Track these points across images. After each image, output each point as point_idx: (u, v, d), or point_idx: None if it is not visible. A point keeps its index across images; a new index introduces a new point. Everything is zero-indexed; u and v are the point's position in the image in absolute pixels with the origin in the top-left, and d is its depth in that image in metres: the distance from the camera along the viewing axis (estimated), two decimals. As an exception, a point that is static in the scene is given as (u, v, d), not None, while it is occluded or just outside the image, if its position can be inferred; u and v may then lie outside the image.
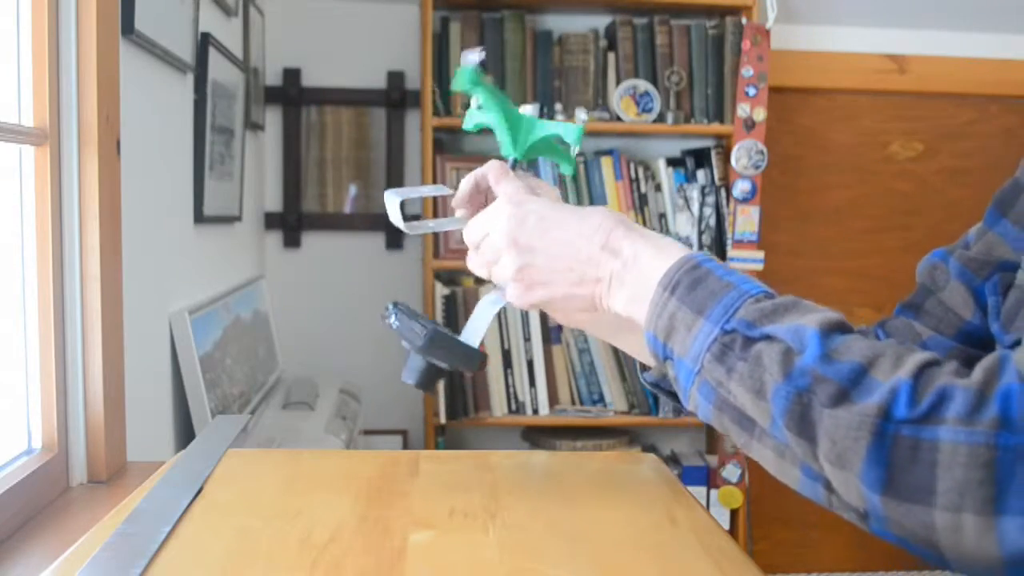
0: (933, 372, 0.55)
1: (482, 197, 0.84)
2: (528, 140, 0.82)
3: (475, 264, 0.79)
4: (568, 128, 0.82)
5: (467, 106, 0.84)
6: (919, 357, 0.56)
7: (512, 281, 0.75)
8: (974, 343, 0.80)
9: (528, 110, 0.83)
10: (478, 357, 0.80)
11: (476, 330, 0.82)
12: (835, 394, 0.55)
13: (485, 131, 0.85)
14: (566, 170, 0.87)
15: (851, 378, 0.55)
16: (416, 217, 0.89)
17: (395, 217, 0.83)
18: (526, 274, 0.74)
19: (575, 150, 0.85)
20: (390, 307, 0.81)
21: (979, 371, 0.54)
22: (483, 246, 0.77)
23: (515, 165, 0.82)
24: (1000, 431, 0.50)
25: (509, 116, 0.82)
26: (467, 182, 0.83)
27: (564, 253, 0.72)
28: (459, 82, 0.80)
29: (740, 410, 0.62)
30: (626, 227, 0.72)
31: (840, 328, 0.60)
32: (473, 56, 0.79)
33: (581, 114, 0.85)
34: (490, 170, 0.81)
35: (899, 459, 0.52)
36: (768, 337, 0.60)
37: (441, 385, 2.50)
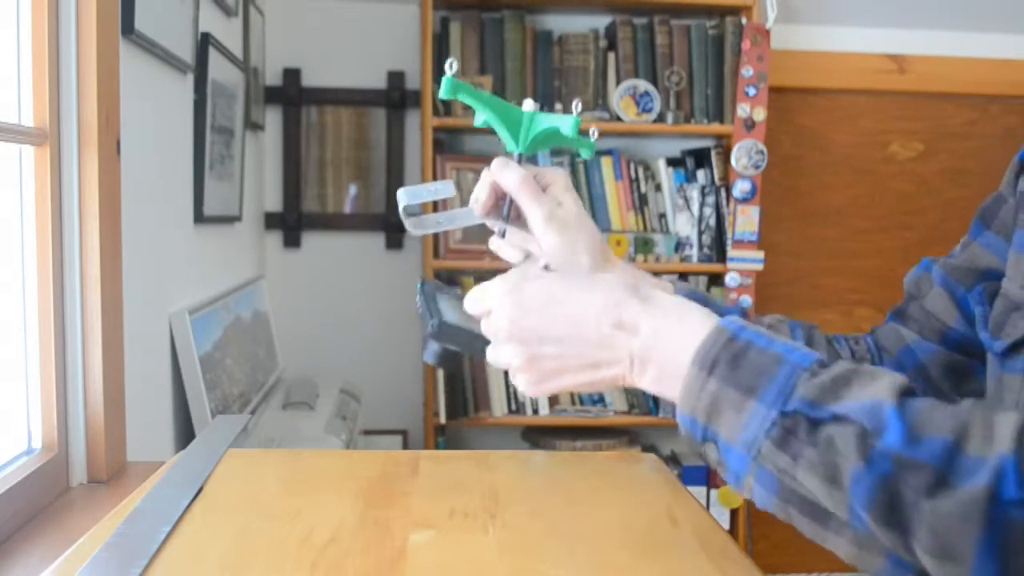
0: None
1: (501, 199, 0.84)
2: (529, 135, 0.83)
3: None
4: (565, 120, 0.83)
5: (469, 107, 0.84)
6: (1010, 423, 0.51)
7: (520, 371, 0.69)
8: (957, 349, 0.81)
9: (528, 106, 0.84)
10: (485, 345, 0.80)
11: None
12: (931, 480, 0.50)
13: (489, 131, 0.86)
14: (585, 154, 0.88)
15: (945, 458, 0.50)
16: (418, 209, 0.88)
17: (403, 214, 0.84)
18: (536, 365, 0.68)
19: (595, 135, 0.86)
20: (418, 287, 0.82)
21: None
22: (487, 324, 0.71)
23: (520, 160, 0.83)
24: None
25: (504, 114, 0.82)
26: (484, 190, 0.81)
27: (574, 336, 0.66)
28: (441, 93, 0.81)
29: (811, 501, 0.56)
30: (639, 298, 0.65)
31: (909, 392, 0.54)
32: (448, 69, 0.79)
33: (576, 106, 0.85)
34: (494, 166, 0.81)
35: (1015, 545, 0.48)
36: (837, 418, 0.54)
37: (441, 385, 2.50)
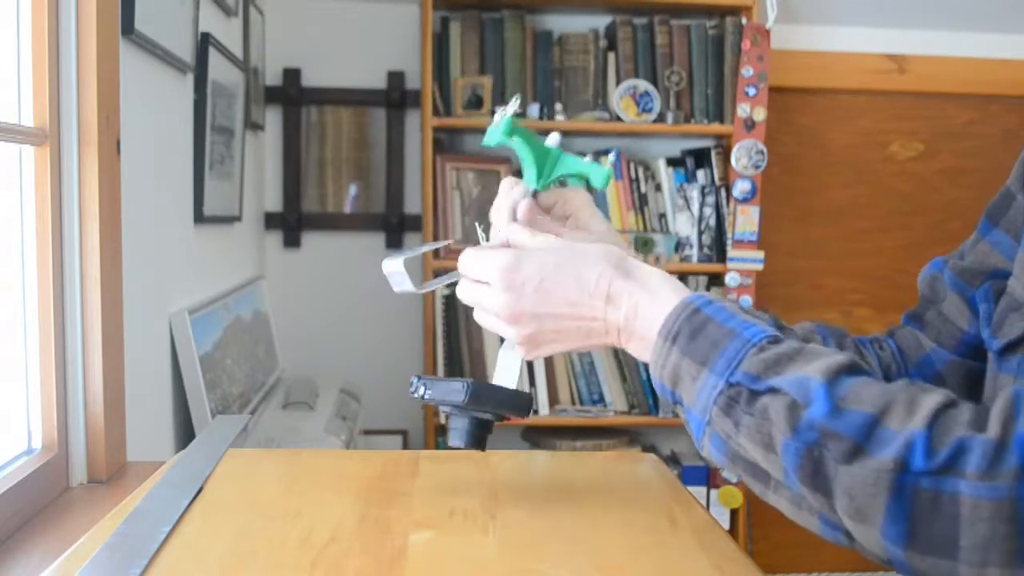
0: (948, 419, 0.54)
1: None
2: (553, 174, 0.80)
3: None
4: (597, 170, 0.80)
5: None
6: (932, 401, 0.55)
7: (517, 343, 0.74)
8: (973, 355, 0.81)
9: (554, 141, 0.81)
10: (527, 401, 0.77)
11: (507, 379, 0.79)
12: (848, 450, 0.54)
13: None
14: (600, 184, 0.84)
15: (863, 432, 0.54)
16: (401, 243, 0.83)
17: (402, 284, 0.79)
18: (532, 339, 0.73)
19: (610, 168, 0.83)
20: (415, 381, 0.78)
21: (995, 417, 0.53)
22: (482, 294, 0.74)
23: (535, 195, 0.80)
24: (1021, 483, 0.50)
25: (539, 153, 0.80)
26: (504, 224, 0.78)
27: (568, 313, 0.71)
28: (494, 135, 0.77)
29: (752, 462, 0.62)
30: (623, 273, 0.70)
31: (848, 370, 0.58)
32: (511, 107, 0.77)
33: (611, 157, 0.83)
34: (518, 207, 0.78)
35: (920, 512, 0.52)
36: (773, 390, 0.59)
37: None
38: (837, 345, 0.85)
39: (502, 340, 0.79)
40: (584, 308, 0.70)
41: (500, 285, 0.71)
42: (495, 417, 0.77)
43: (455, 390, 0.75)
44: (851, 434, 0.54)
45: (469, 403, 0.75)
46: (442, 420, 2.49)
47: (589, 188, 0.93)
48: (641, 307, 0.68)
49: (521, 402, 0.77)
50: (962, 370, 0.82)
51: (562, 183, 0.82)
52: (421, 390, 0.77)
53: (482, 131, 0.84)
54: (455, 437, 0.77)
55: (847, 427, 0.55)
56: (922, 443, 0.52)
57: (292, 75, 2.69)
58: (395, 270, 0.79)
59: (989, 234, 0.80)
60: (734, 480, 2.59)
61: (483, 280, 0.73)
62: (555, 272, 0.71)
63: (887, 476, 0.53)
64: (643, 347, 0.69)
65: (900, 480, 0.52)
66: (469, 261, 0.74)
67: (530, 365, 2.55)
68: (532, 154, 0.79)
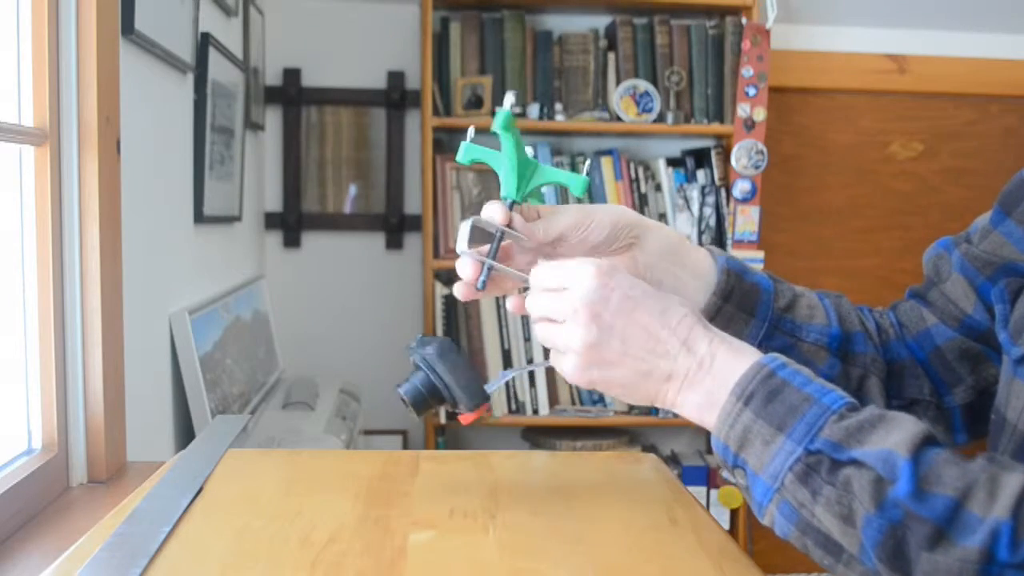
0: None
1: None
2: (530, 185, 0.80)
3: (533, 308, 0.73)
4: (574, 179, 0.80)
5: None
6: (1014, 484, 0.54)
7: (575, 353, 0.69)
8: (974, 336, 0.82)
9: (531, 152, 0.81)
10: (481, 396, 0.77)
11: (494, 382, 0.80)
12: (931, 534, 0.54)
13: (487, 131, 0.83)
14: (578, 192, 0.83)
15: (947, 516, 0.54)
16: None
17: (463, 242, 0.77)
18: (594, 352, 0.68)
19: (585, 168, 0.84)
20: (418, 337, 0.80)
21: None
22: (557, 299, 0.70)
23: (512, 206, 0.79)
24: None
25: (522, 161, 0.79)
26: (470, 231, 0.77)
27: (642, 340, 0.67)
28: (496, 123, 0.76)
29: (826, 534, 0.60)
30: (704, 325, 0.68)
31: (929, 442, 0.58)
32: (507, 102, 0.76)
33: (587, 164, 0.83)
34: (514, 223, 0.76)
35: None
36: (856, 462, 0.58)
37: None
38: (835, 308, 0.85)
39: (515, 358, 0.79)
40: (659, 343, 0.67)
41: (591, 282, 0.68)
42: (446, 392, 0.77)
43: (432, 343, 0.76)
44: (934, 518, 0.54)
45: (434, 356, 0.76)
46: (443, 420, 2.50)
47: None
48: (719, 359, 0.66)
49: (476, 390, 0.77)
50: (963, 347, 0.83)
51: (532, 194, 0.81)
52: (413, 343, 0.79)
53: (483, 131, 0.83)
54: (404, 386, 0.78)
55: (930, 510, 0.54)
56: (1007, 533, 0.52)
57: (292, 75, 2.69)
58: (463, 233, 0.77)
59: (1002, 224, 0.79)
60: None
61: (573, 269, 0.70)
62: (643, 296, 0.69)
63: (972, 567, 0.52)
64: (704, 402, 0.66)
65: (985, 571, 0.52)
66: (549, 267, 0.73)
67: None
68: (517, 160, 0.78)
